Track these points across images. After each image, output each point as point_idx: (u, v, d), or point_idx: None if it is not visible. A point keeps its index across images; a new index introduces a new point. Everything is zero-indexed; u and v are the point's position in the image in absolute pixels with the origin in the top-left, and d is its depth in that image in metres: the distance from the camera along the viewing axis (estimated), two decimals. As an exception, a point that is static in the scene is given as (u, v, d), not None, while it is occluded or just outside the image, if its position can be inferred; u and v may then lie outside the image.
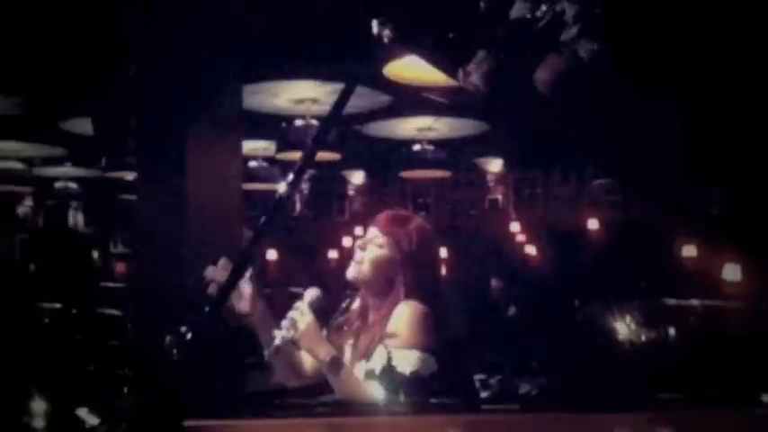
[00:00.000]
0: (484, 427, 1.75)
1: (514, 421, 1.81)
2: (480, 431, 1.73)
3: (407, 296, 2.37)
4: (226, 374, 2.44)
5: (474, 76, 2.13)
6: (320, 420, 1.71)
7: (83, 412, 1.90)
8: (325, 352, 2.24)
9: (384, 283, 2.42)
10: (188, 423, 1.62)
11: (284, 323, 2.25)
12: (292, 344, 2.26)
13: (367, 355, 2.35)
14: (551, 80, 2.10)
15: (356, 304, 2.56)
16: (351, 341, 2.49)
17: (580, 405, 1.89)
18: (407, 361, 2.24)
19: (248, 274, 2.28)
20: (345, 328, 2.53)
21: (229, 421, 1.71)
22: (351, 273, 2.45)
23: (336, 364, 2.24)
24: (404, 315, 2.31)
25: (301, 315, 2.25)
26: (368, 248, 2.44)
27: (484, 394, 2.85)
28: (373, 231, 2.46)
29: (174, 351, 1.65)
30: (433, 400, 2.11)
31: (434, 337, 2.31)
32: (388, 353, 2.26)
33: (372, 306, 2.47)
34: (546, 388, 2.75)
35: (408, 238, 2.42)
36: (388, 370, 2.24)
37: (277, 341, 2.22)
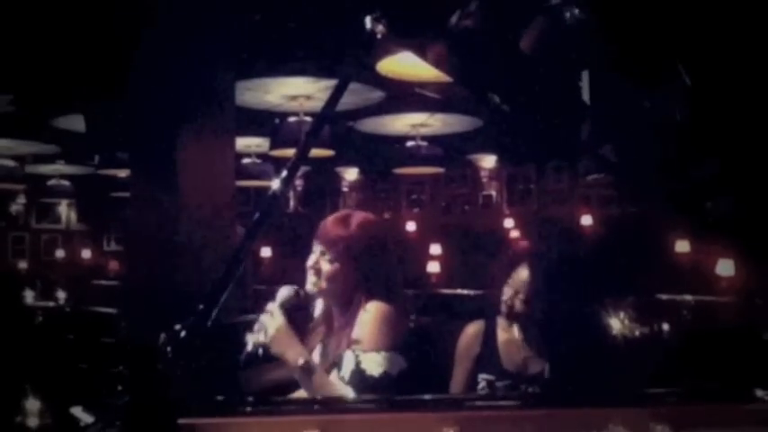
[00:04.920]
0: (479, 424, 1.75)
1: (509, 417, 1.81)
2: (475, 428, 1.73)
3: (369, 297, 2.36)
4: (219, 373, 2.43)
5: (471, 19, 2.11)
6: (314, 418, 1.70)
7: (77, 410, 1.89)
8: (295, 356, 2.22)
9: (345, 292, 2.40)
10: (181, 421, 1.62)
11: (256, 327, 2.23)
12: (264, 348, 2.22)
13: (336, 362, 2.33)
14: (535, 41, 2.09)
15: (319, 309, 2.55)
16: (319, 348, 2.48)
17: (574, 400, 1.89)
18: (376, 362, 2.24)
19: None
20: (312, 334, 2.51)
21: (223, 419, 1.70)
22: (310, 290, 2.42)
23: (308, 369, 2.22)
24: (368, 317, 2.31)
25: (271, 318, 2.23)
26: (321, 266, 2.40)
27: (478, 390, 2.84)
28: (319, 247, 2.41)
29: (168, 349, 1.64)
30: (427, 397, 2.11)
31: (401, 334, 2.32)
32: (356, 356, 2.26)
33: (337, 312, 2.46)
34: (541, 384, 2.75)
35: (354, 242, 2.38)
36: (357, 373, 2.24)
37: (249, 347, 2.21)
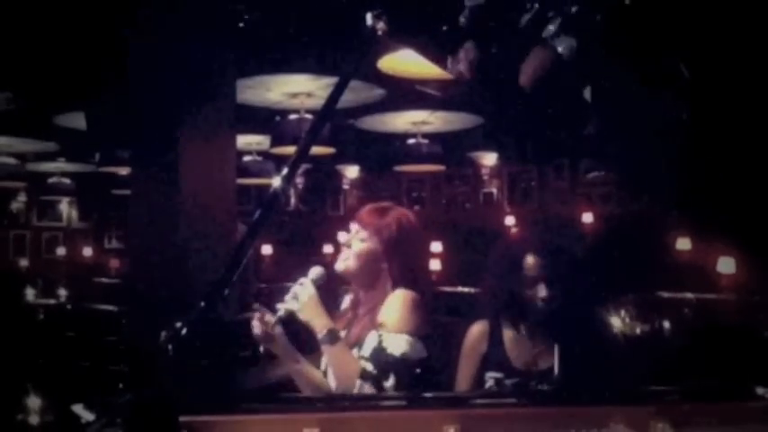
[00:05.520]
0: (479, 421, 1.75)
1: (510, 415, 1.81)
2: (476, 425, 1.73)
3: (395, 285, 2.46)
4: (220, 370, 2.43)
5: (462, 64, 2.14)
6: (314, 416, 1.70)
7: (78, 408, 1.90)
8: (322, 324, 2.37)
9: (371, 275, 2.52)
10: (183, 419, 1.62)
11: (287, 296, 2.39)
12: (293, 316, 2.38)
13: (359, 342, 2.42)
14: (533, 74, 2.12)
15: (349, 299, 2.66)
16: (344, 332, 2.54)
17: (575, 398, 1.89)
18: (397, 343, 2.33)
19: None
20: (338, 320, 2.59)
21: (224, 417, 1.71)
22: (339, 266, 2.55)
23: (332, 336, 2.37)
24: (395, 302, 2.40)
25: (303, 288, 2.39)
26: (352, 244, 2.53)
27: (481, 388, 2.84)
28: (355, 227, 2.55)
29: (169, 347, 1.64)
30: (428, 394, 2.12)
31: (425, 323, 2.41)
32: (380, 336, 2.35)
33: (363, 298, 2.56)
34: (550, 380, 2.74)
35: (388, 229, 2.50)
36: (379, 351, 2.33)
37: (280, 313, 2.37)
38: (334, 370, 2.38)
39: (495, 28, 2.14)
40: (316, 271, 2.45)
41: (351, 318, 2.59)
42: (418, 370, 2.35)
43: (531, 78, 2.10)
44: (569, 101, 2.20)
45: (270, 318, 2.39)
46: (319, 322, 2.38)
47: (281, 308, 2.39)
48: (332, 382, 2.43)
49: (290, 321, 2.41)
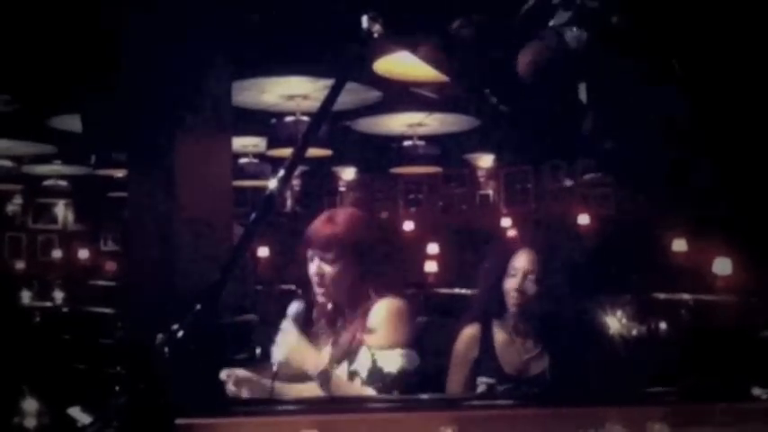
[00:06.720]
0: (476, 423, 1.75)
1: (507, 416, 1.81)
2: (473, 427, 1.73)
3: (378, 291, 2.40)
4: (217, 372, 2.43)
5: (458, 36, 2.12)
6: (312, 418, 1.70)
7: (75, 411, 1.89)
8: (313, 366, 2.30)
9: (353, 290, 2.43)
10: (179, 421, 1.62)
11: (274, 349, 2.32)
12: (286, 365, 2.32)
13: (349, 354, 2.37)
14: (533, 64, 2.11)
15: (324, 309, 2.56)
16: (330, 341, 2.50)
17: (572, 399, 1.89)
18: (392, 360, 2.28)
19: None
20: (321, 332, 2.53)
21: (221, 419, 1.70)
22: (320, 298, 2.47)
23: (325, 376, 2.29)
24: (381, 313, 2.34)
25: (286, 334, 2.32)
26: (324, 271, 2.42)
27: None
28: (315, 253, 2.44)
29: (165, 349, 1.64)
30: (424, 396, 2.11)
31: (413, 330, 2.36)
32: (372, 355, 2.30)
33: (346, 307, 2.48)
34: (541, 384, 2.74)
35: (346, 237, 2.42)
36: (375, 372, 2.28)
37: (274, 368, 2.29)
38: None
39: (491, 27, 2.13)
40: (294, 307, 2.38)
41: (336, 327, 2.52)
42: (416, 377, 2.31)
43: (526, 69, 2.09)
44: (565, 95, 2.20)
45: (247, 375, 2.38)
46: (310, 365, 2.31)
47: (274, 362, 2.31)
48: None
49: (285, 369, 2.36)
